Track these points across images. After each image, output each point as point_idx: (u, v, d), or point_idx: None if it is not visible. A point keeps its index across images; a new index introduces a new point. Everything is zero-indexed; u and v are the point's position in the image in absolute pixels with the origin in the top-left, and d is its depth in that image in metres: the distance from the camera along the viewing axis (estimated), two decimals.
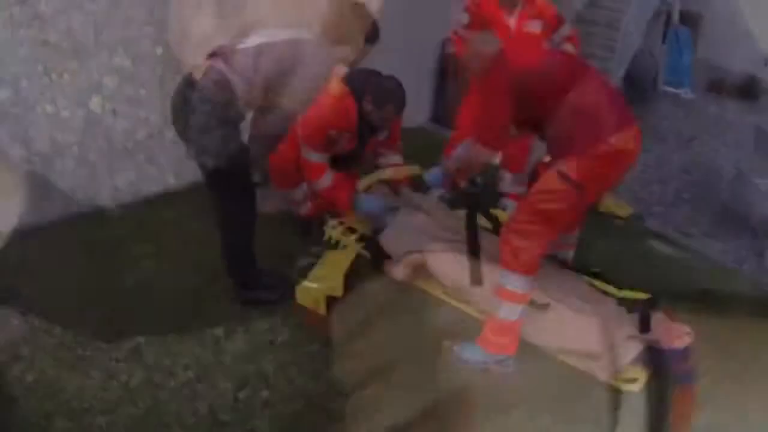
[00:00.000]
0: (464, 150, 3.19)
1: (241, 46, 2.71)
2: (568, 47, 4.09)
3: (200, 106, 2.63)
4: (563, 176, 2.65)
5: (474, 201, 3.45)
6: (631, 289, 3.46)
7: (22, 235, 3.54)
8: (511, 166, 4.45)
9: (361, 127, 3.64)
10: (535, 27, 4.08)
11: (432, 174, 3.57)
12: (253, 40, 2.73)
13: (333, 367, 2.82)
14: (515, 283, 2.79)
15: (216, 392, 2.62)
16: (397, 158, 4.09)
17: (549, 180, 2.70)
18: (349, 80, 3.53)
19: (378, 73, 3.66)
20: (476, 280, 3.20)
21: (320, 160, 3.59)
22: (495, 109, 2.86)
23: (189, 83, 2.69)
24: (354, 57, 3.01)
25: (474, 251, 3.28)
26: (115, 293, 3.15)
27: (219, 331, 2.94)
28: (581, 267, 3.52)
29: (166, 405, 2.53)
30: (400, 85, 3.57)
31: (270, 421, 2.50)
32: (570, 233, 3.33)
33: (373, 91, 3.50)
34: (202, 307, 3.11)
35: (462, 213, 3.49)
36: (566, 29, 4.12)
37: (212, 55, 2.72)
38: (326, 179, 3.65)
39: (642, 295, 3.37)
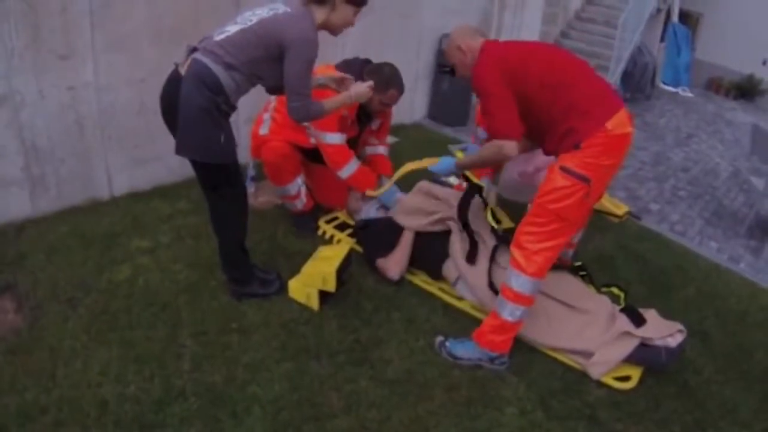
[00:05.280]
0: (484, 149, 3.04)
1: (221, 36, 2.68)
2: None
3: (186, 101, 2.61)
4: (567, 171, 2.61)
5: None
6: (608, 286, 3.48)
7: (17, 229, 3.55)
8: None
9: (359, 114, 3.66)
10: None
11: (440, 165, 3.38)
12: (231, 28, 2.70)
13: None
14: (523, 285, 2.75)
15: None
16: (382, 150, 4.10)
17: (554, 179, 2.65)
18: (345, 68, 3.51)
19: (370, 61, 3.68)
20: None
21: (342, 141, 3.59)
22: (501, 105, 2.74)
23: (175, 78, 2.66)
24: (337, 19, 2.83)
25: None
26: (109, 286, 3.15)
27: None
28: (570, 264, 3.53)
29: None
30: (396, 70, 3.62)
31: None
32: (576, 232, 3.31)
33: (375, 77, 3.46)
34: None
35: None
36: None
37: (194, 49, 2.69)
38: (355, 163, 3.66)
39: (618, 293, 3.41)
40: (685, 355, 3.10)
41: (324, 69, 3.31)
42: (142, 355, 2.71)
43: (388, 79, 3.56)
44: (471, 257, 3.30)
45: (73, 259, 3.35)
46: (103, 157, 3.96)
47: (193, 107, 2.60)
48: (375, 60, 3.72)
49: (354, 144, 3.90)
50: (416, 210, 3.59)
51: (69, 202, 3.87)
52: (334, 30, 2.89)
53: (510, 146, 2.73)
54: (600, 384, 2.89)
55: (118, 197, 4.11)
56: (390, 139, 4.45)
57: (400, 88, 3.64)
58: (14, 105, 3.44)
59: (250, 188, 4.13)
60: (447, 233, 3.48)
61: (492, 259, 3.28)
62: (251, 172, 4.16)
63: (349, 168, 3.66)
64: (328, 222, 3.97)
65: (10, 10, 3.24)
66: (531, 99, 2.72)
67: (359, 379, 2.72)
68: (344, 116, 3.52)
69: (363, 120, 3.74)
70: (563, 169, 2.62)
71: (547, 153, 2.87)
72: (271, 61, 2.68)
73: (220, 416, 2.44)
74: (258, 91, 3.02)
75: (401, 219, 3.59)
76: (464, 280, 3.32)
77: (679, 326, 2.98)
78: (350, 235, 3.81)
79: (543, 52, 2.93)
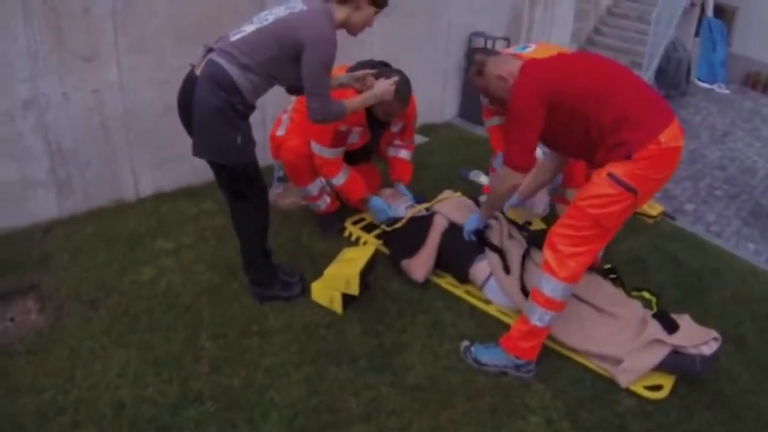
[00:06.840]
0: (495, 185, 3.15)
1: (237, 36, 2.64)
2: None
3: (200, 102, 2.58)
4: (615, 179, 2.50)
5: None
6: (639, 290, 3.38)
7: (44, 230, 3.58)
8: (572, 182, 4.08)
9: (370, 120, 3.57)
10: None
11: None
12: (248, 28, 2.66)
13: None
14: (555, 290, 2.65)
15: None
16: (404, 153, 4.01)
17: (600, 184, 2.54)
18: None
19: (385, 65, 3.57)
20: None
21: (334, 155, 3.52)
22: (524, 130, 2.72)
23: (191, 79, 2.63)
24: (358, 19, 2.77)
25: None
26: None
27: None
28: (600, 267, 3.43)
29: None
30: (405, 78, 3.44)
31: None
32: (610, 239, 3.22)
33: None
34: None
35: None
36: None
37: (210, 49, 2.66)
38: (342, 176, 3.60)
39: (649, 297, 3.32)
40: (720, 363, 2.97)
41: (337, 71, 3.24)
42: (160, 357, 2.70)
43: None
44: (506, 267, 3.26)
45: (98, 260, 3.36)
46: (129, 158, 3.97)
47: (208, 108, 2.57)
48: (404, 60, 3.65)
49: (373, 148, 3.87)
50: (459, 207, 3.57)
51: (95, 204, 3.90)
52: (353, 30, 2.83)
53: (517, 177, 2.85)
54: (630, 393, 2.78)
55: (144, 198, 4.13)
56: (420, 138, 4.37)
57: (404, 100, 3.44)
58: (40, 107, 3.47)
59: (278, 189, 4.11)
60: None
61: (524, 257, 3.25)
62: (279, 172, 4.14)
63: (336, 181, 3.64)
64: (354, 223, 3.92)
65: (33, 13, 3.27)
66: (578, 112, 2.62)
67: (380, 385, 2.67)
68: (341, 131, 3.44)
69: (376, 127, 3.65)
70: (611, 176, 2.51)
71: (596, 166, 2.72)
72: (287, 60, 2.63)
73: (236, 421, 2.41)
74: (285, 91, 2.99)
75: (447, 213, 3.53)
76: (496, 276, 3.24)
77: (714, 333, 2.86)
78: (376, 237, 3.76)
79: (586, 62, 2.84)
